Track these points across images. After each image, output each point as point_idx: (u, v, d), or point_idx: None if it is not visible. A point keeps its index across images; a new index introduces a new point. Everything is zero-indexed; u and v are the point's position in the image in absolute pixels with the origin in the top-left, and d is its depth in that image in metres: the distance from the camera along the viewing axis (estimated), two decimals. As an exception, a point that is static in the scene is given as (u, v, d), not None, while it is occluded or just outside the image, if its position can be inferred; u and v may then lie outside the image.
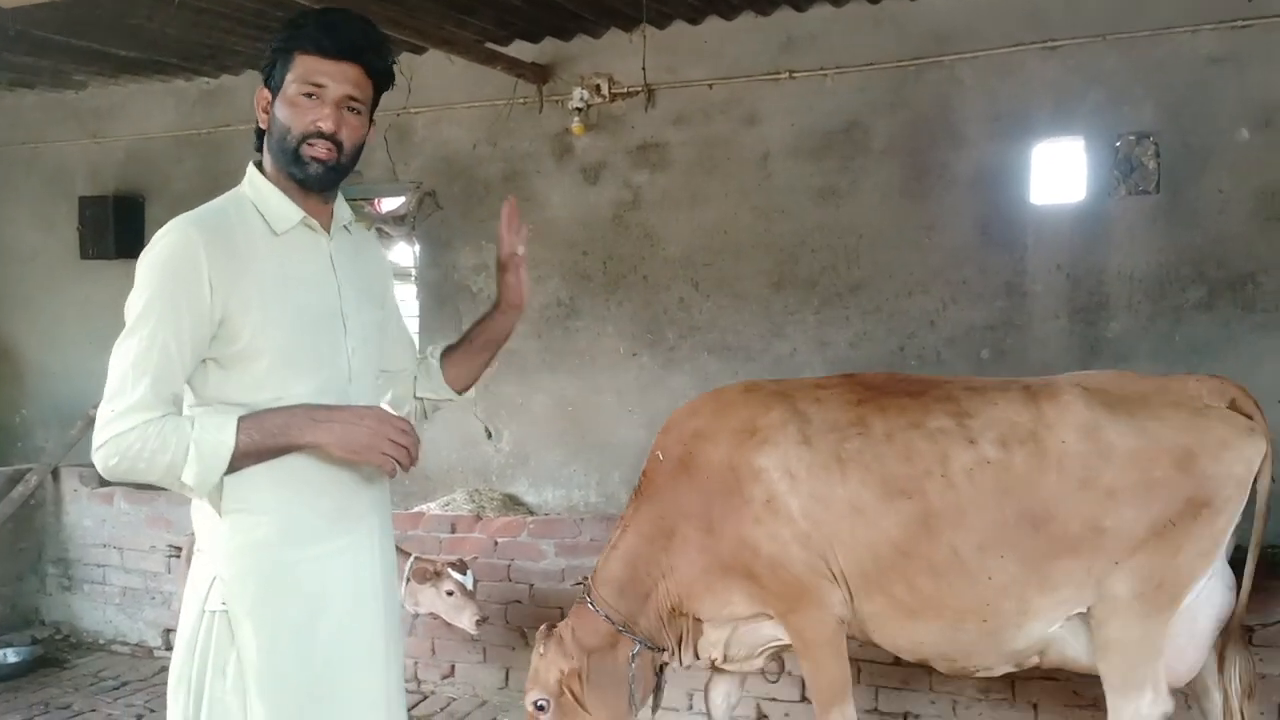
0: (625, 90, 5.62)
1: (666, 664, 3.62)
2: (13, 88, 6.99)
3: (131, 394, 1.92)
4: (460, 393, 2.46)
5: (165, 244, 1.98)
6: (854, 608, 3.24)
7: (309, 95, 2.04)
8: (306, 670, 2.08)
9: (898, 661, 4.58)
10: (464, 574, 4.21)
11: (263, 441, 1.98)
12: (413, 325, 6.23)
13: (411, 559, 4.17)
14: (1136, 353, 4.81)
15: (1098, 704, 4.20)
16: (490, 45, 5.56)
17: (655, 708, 3.82)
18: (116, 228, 6.69)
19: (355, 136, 2.09)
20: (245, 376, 2.02)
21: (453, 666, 4.99)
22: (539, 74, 5.76)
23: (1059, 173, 4.97)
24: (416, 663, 4.94)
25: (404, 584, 4.08)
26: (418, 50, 5.89)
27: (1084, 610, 3.06)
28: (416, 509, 5.46)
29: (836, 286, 5.31)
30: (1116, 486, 2.97)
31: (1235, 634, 3.18)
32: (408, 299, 6.30)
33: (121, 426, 1.91)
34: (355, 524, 2.16)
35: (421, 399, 2.44)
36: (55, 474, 5.75)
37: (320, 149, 2.05)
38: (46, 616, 5.81)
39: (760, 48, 5.40)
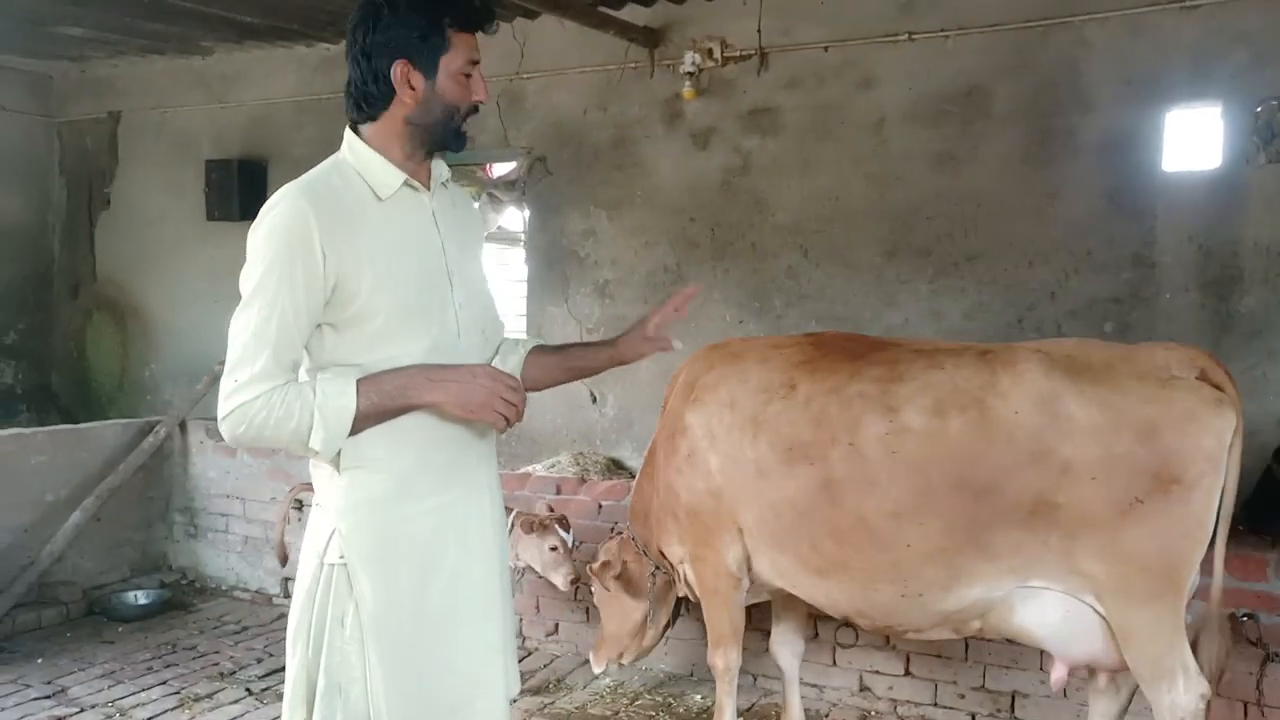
0: (738, 54, 5.55)
1: (683, 596, 3.93)
2: (144, 54, 7.26)
3: (254, 364, 1.97)
4: (528, 391, 2.46)
5: (277, 214, 2.01)
6: (769, 561, 3.39)
7: (468, 74, 2.11)
8: (422, 620, 2.13)
9: (1010, 641, 4.51)
10: (567, 531, 4.30)
11: (382, 403, 2.04)
12: (521, 289, 6.31)
13: (514, 513, 4.26)
14: (1272, 328, 4.58)
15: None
16: (603, 9, 5.54)
17: (661, 635, 4.18)
18: (241, 191, 6.92)
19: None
20: (360, 338, 2.06)
21: (556, 625, 5.08)
22: (650, 38, 5.72)
23: (1193, 139, 4.73)
24: (521, 619, 5.03)
25: (508, 532, 4.20)
26: (531, 15, 5.91)
27: (1048, 585, 2.99)
28: (522, 470, 5.54)
29: (953, 256, 5.17)
30: (1074, 461, 2.85)
31: (1210, 620, 3.04)
32: (516, 263, 6.38)
33: (246, 396, 1.97)
34: (466, 478, 2.21)
35: None
36: (183, 427, 6.01)
37: (469, 120, 2.15)
38: (173, 562, 6.10)
39: (878, 9, 5.26)
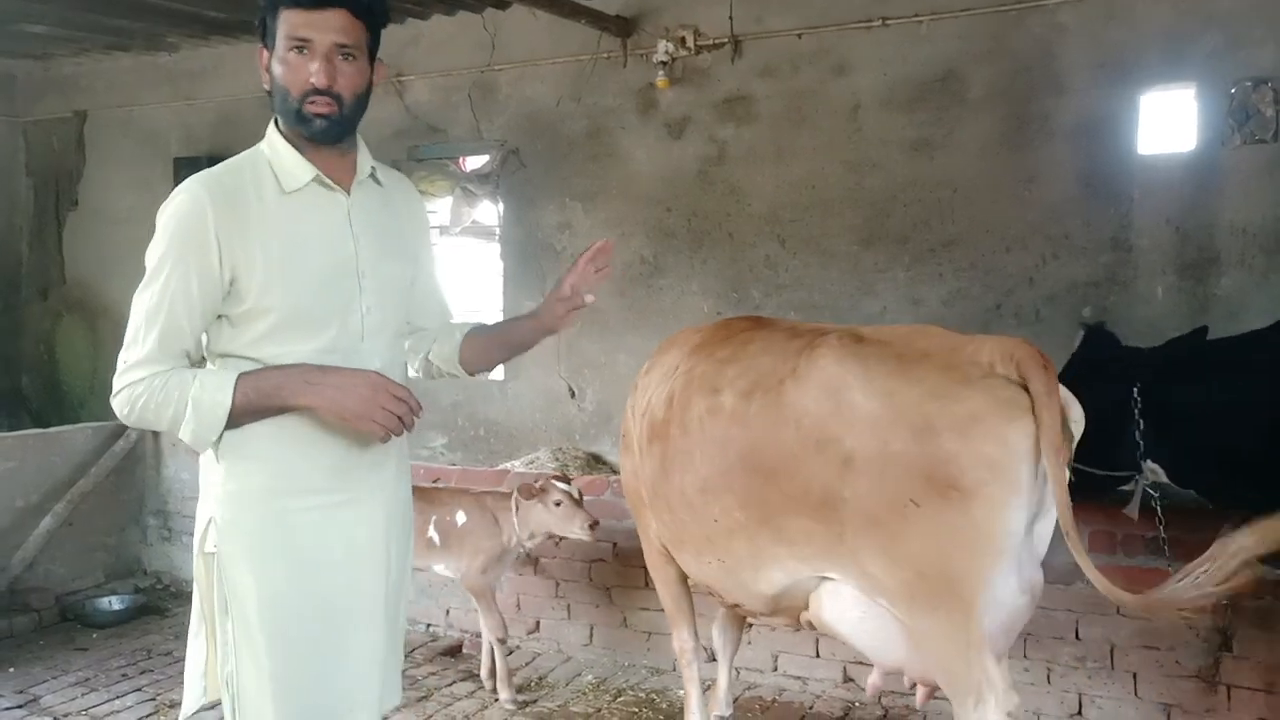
0: (711, 42, 5.51)
1: None
2: (109, 51, 7.15)
3: (142, 346, 2.01)
4: (470, 374, 2.41)
5: (177, 203, 2.01)
6: (661, 536, 3.47)
7: (299, 50, 2.02)
8: (304, 621, 2.11)
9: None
10: (567, 484, 4.30)
11: (258, 401, 2.02)
12: (498, 283, 6.25)
13: (516, 481, 4.27)
14: (1249, 309, 4.57)
15: (1200, 674, 4.06)
16: (574, -1, 5.48)
17: None
18: (210, 188, 6.81)
19: (354, 85, 2.05)
20: (250, 333, 2.05)
21: (537, 622, 5.03)
22: (623, 27, 5.67)
23: (1168, 122, 4.72)
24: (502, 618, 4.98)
25: (513, 511, 4.27)
26: (502, 5, 5.86)
27: (844, 581, 2.84)
28: (501, 466, 5.49)
29: (930, 242, 5.14)
30: (855, 454, 2.67)
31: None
32: (492, 257, 6.32)
33: (133, 377, 2.00)
34: (359, 481, 2.17)
35: (432, 361, 2.39)
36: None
37: (320, 105, 2.02)
38: (148, 566, 6.01)
39: (852, -6, 5.23)
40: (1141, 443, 3.52)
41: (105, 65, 7.41)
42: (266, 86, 2.08)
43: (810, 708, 4.68)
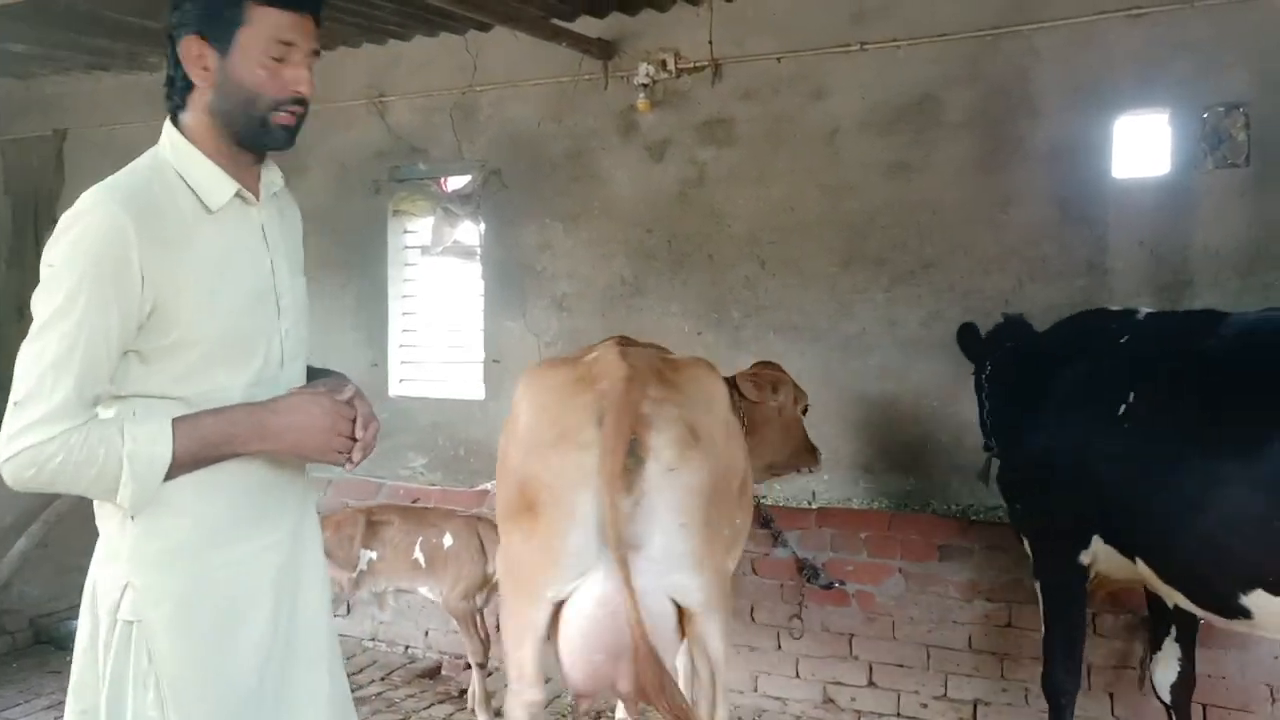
0: (691, 65, 5.54)
1: None
2: (89, 70, 7.13)
3: (50, 399, 1.72)
4: None
5: (89, 227, 1.76)
6: None
7: (278, 58, 1.86)
8: (233, 680, 1.92)
9: (969, 647, 4.51)
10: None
11: (202, 452, 1.83)
12: (478, 304, 6.25)
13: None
14: (1223, 333, 4.62)
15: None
16: (555, 21, 5.51)
17: None
18: (190, 208, 6.79)
19: (312, 92, 1.93)
20: (174, 369, 1.85)
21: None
22: (604, 50, 5.70)
23: (1142, 146, 4.77)
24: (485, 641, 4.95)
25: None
26: (483, 28, 5.88)
27: None
28: (480, 487, 5.48)
29: (908, 264, 5.18)
30: (503, 461, 3.06)
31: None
32: (473, 277, 6.32)
33: (39, 436, 1.71)
34: (281, 522, 2.01)
35: None
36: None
37: (291, 115, 1.90)
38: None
39: (830, 19, 5.27)
40: (988, 421, 4.18)
41: (86, 85, 7.39)
42: (203, 83, 1.88)
43: (790, 729, 4.68)
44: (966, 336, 4.30)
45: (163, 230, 1.81)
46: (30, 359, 1.75)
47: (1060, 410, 3.68)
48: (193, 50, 1.87)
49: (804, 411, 4.63)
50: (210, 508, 1.89)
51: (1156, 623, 3.88)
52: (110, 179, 1.86)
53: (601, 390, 2.86)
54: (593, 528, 2.78)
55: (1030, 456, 3.77)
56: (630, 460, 2.79)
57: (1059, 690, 3.72)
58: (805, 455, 4.65)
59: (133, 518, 1.84)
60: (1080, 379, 3.67)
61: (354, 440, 1.96)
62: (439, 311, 6.58)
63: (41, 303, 1.77)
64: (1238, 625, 3.27)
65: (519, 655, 3.04)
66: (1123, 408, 3.43)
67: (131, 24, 5.81)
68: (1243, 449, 3.06)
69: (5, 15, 5.39)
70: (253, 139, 1.92)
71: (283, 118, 1.90)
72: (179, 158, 1.90)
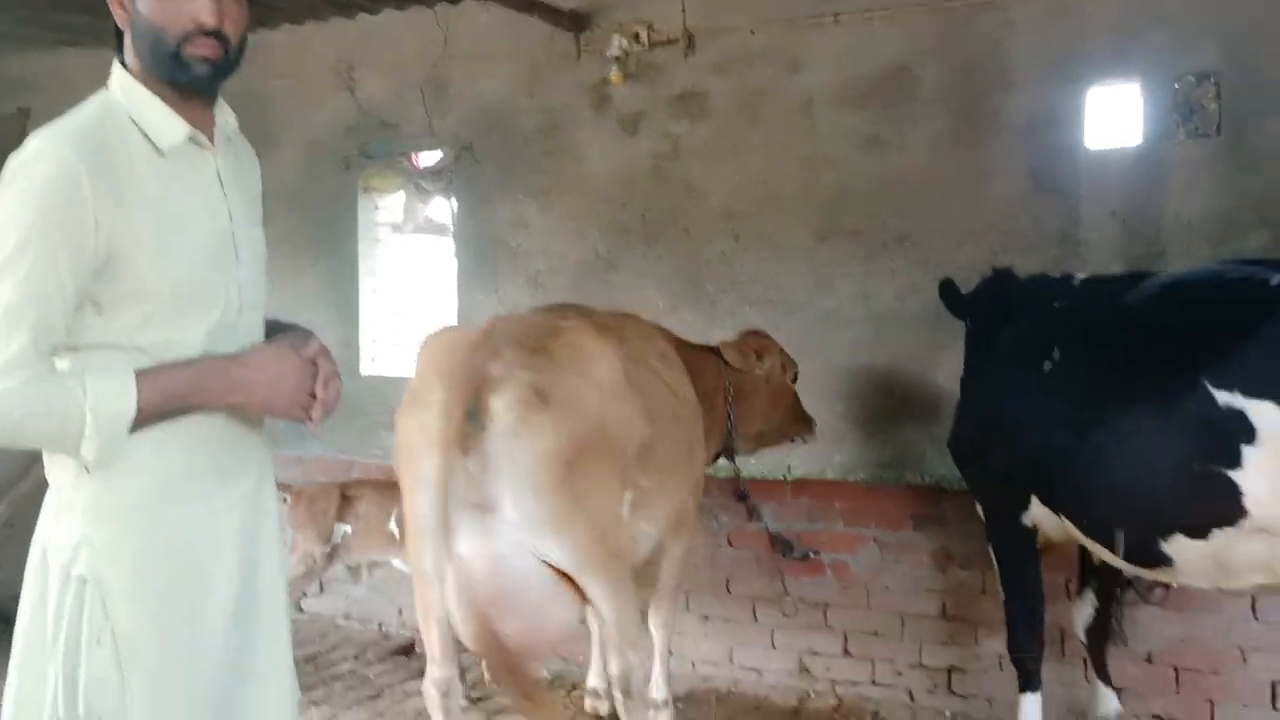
0: (665, 38, 5.49)
1: None
2: (55, 47, 7.00)
3: (6, 349, 1.67)
4: None
5: (40, 172, 1.70)
6: None
7: None
8: (193, 642, 1.87)
9: (943, 614, 4.53)
10: None
11: (165, 405, 1.78)
12: (451, 281, 6.19)
13: None
14: (1194, 303, 4.65)
15: (1152, 658, 4.12)
16: (527, -7, 5.46)
17: None
18: (157, 184, 6.69)
19: (239, 27, 1.88)
20: (131, 319, 1.80)
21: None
22: (576, 22, 5.65)
23: (1115, 117, 4.79)
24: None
25: None
26: (453, 0, 5.81)
27: None
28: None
29: (883, 238, 5.17)
30: None
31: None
32: (446, 254, 6.26)
33: None
34: (236, 481, 1.96)
35: None
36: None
37: (204, 47, 1.82)
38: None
39: (803, -10, 5.25)
40: None
41: (51, 62, 7.24)
42: (122, 23, 1.84)
43: (765, 698, 4.68)
44: (948, 293, 4.27)
45: (115, 174, 1.76)
46: None
47: (996, 374, 3.79)
48: None
49: (794, 380, 4.61)
50: (168, 463, 1.85)
51: (1081, 571, 4.02)
52: (58, 122, 1.80)
53: (456, 355, 2.92)
54: (439, 490, 2.80)
55: (973, 420, 3.83)
56: (471, 423, 2.81)
57: (1021, 653, 3.78)
58: (798, 424, 4.67)
59: (88, 470, 1.79)
60: (1013, 342, 3.78)
61: (322, 401, 1.94)
62: (411, 289, 6.52)
63: None
64: (1162, 574, 3.38)
65: (425, 634, 3.15)
66: (1047, 366, 3.55)
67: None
68: (1155, 398, 3.14)
69: (-35, -13, 5.29)
70: (172, 75, 1.85)
71: (194, 50, 1.83)
72: (129, 98, 1.85)
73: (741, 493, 4.90)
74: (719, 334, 5.49)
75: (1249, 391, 2.92)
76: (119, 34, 1.89)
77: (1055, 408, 3.49)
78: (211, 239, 1.90)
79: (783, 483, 5.06)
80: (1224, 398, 2.96)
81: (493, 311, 5.97)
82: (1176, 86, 4.58)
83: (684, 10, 5.33)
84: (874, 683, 4.69)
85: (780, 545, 4.83)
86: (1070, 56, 4.78)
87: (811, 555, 4.82)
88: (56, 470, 1.86)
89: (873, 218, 5.19)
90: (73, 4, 5.75)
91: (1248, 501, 2.92)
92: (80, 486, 1.81)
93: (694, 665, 4.93)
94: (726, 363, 4.46)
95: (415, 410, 2.99)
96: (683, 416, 3.83)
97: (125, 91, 1.85)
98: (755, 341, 4.62)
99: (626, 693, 3.21)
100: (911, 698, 4.63)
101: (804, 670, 4.82)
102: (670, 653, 4.23)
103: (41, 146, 1.73)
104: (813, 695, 4.71)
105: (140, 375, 1.76)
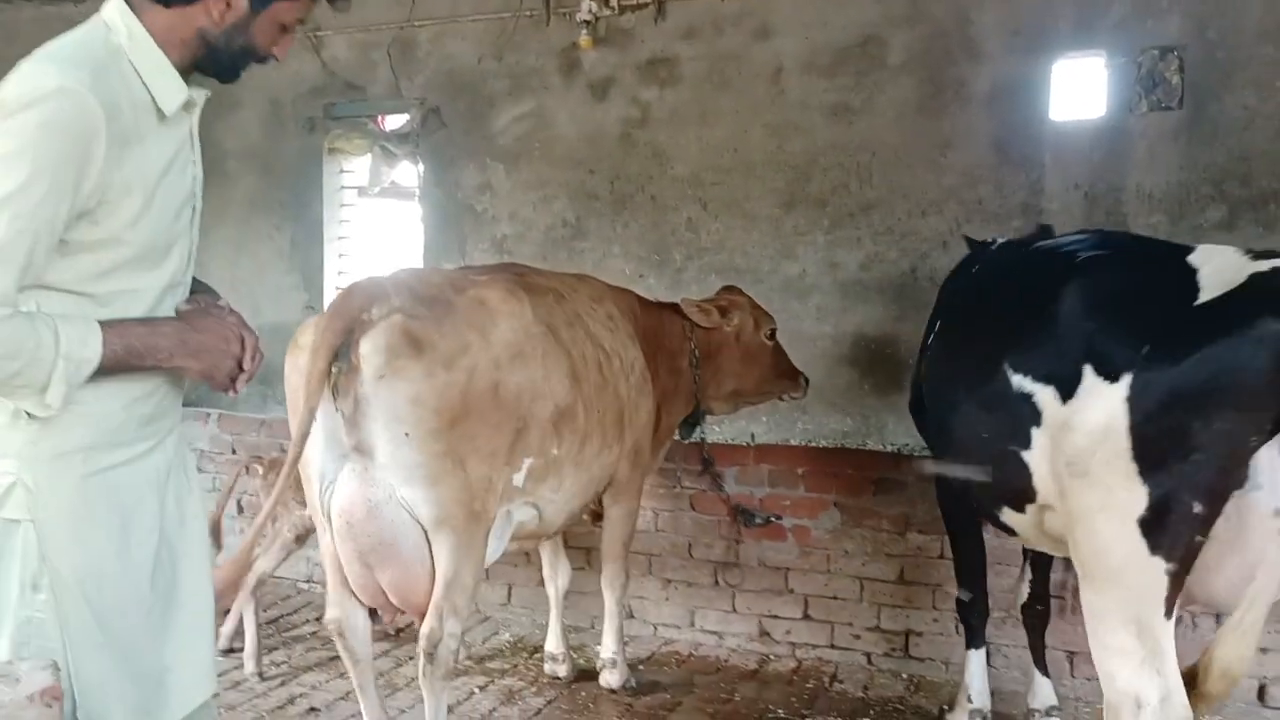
0: (635, 2, 5.46)
1: None
2: (9, 2, 6.85)
3: None
4: None
5: (61, 109, 1.68)
6: None
7: (287, 29, 1.99)
8: (125, 581, 1.89)
9: (901, 579, 4.59)
10: None
11: (126, 359, 1.81)
12: (417, 246, 6.15)
13: None
14: (1153, 275, 4.70)
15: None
16: (496, -46, 5.40)
17: None
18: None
19: None
20: (97, 265, 1.80)
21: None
22: (546, -15, 5.60)
23: (1079, 89, 4.82)
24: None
25: None
26: (422, -40, 5.75)
27: None
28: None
29: (848, 206, 5.19)
30: None
31: None
32: (412, 219, 6.21)
33: None
34: (162, 424, 2.00)
35: None
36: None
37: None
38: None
39: (773, -43, 5.23)
40: None
41: (6, 16, 7.09)
42: (213, 14, 1.88)
43: (725, 661, 4.72)
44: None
45: (122, 124, 1.76)
46: None
47: (922, 340, 3.94)
48: None
49: (771, 336, 4.57)
50: (106, 409, 1.87)
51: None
52: (66, 52, 1.77)
53: (344, 298, 2.98)
54: (305, 430, 2.85)
55: (911, 381, 4.08)
56: (340, 364, 2.81)
57: (965, 611, 3.89)
58: (783, 381, 4.59)
59: (29, 415, 1.77)
60: (933, 308, 3.96)
61: (241, 370, 1.99)
62: (376, 254, 6.47)
63: None
64: (1017, 541, 3.58)
65: (327, 577, 3.20)
66: (931, 337, 3.74)
67: (53, -52, 5.58)
68: (977, 377, 3.17)
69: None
70: (213, 71, 1.96)
71: (243, 69, 2.01)
72: (138, 52, 1.84)
73: (706, 460, 4.92)
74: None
75: (1036, 376, 2.93)
76: None
77: (931, 378, 3.67)
78: (179, 198, 1.94)
79: (746, 448, 5.09)
80: (1017, 381, 2.98)
81: (459, 276, 5.95)
82: (1140, 59, 4.62)
83: (655, -26, 5.29)
84: (833, 646, 4.75)
85: (742, 516, 4.85)
86: (1037, 27, 4.81)
87: (773, 520, 4.86)
88: None
89: (839, 187, 5.21)
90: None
91: (1036, 481, 2.96)
92: (16, 429, 1.80)
93: (655, 629, 4.97)
94: (691, 322, 4.44)
95: (292, 351, 3.05)
96: (619, 382, 3.79)
97: (134, 41, 1.84)
98: (721, 299, 4.59)
99: (430, 657, 3.05)
100: (869, 661, 4.69)
101: (764, 634, 4.87)
102: (627, 615, 4.25)
103: (64, 85, 1.69)
104: (772, 659, 4.76)
105: (105, 327, 1.77)
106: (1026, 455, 2.94)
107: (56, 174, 1.67)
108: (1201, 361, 2.55)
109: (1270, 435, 2.55)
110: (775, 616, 4.85)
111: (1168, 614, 2.65)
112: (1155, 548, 2.62)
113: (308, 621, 5.15)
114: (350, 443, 2.92)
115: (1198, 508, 2.59)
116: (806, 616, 4.81)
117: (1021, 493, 3.03)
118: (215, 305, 2.02)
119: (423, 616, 3.07)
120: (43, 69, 1.72)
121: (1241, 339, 2.53)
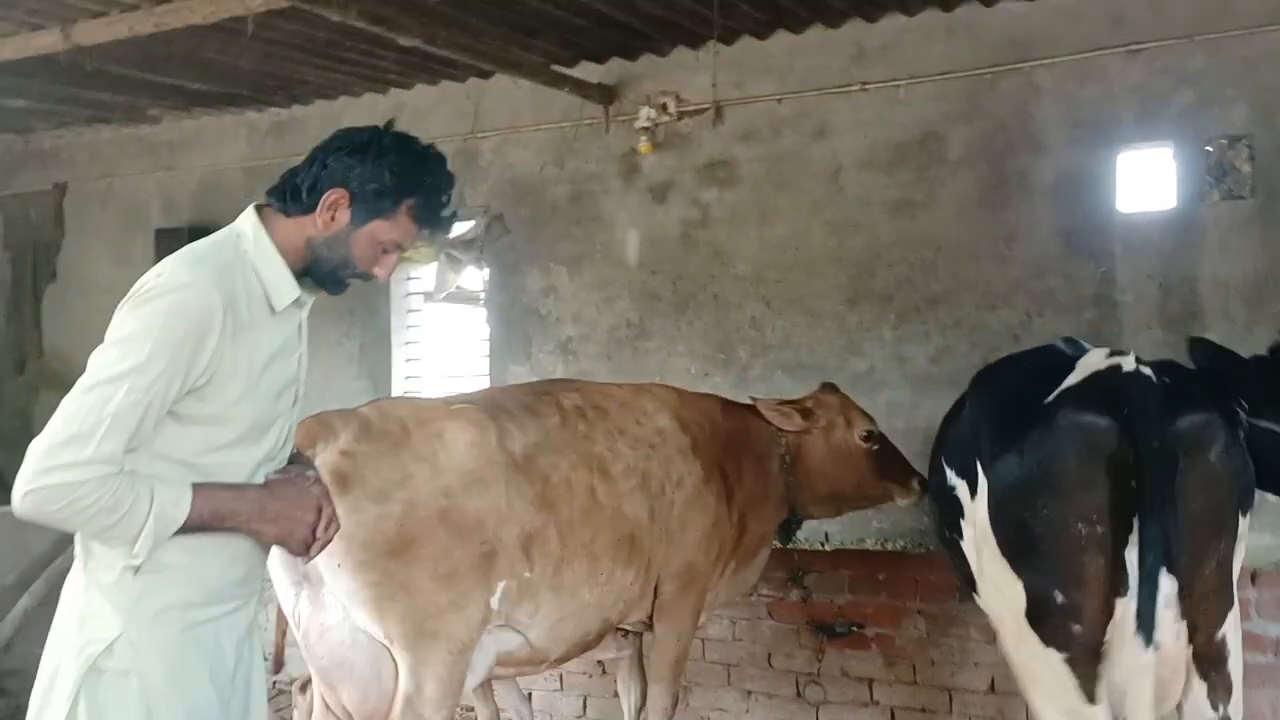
0: (692, 108, 5.55)
1: None
2: (90, 124, 7.15)
3: (102, 445, 1.82)
4: None
5: (187, 297, 1.91)
6: None
7: (388, 251, 2.11)
8: None
9: (991, 689, 4.43)
10: None
11: (209, 521, 1.96)
12: (483, 349, 6.22)
13: None
14: (1234, 363, 4.60)
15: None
16: (556, 67, 5.54)
17: None
18: (192, 259, 6.77)
19: None
20: (200, 439, 1.98)
21: (529, 694, 4.93)
22: (605, 94, 5.72)
23: (1147, 179, 4.79)
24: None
25: None
26: (484, 75, 5.91)
27: None
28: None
29: (914, 300, 5.17)
30: None
31: None
32: (478, 323, 6.30)
33: (77, 476, 1.80)
34: (250, 586, 2.16)
35: None
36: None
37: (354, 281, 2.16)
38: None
39: (830, 60, 5.30)
40: None
41: (86, 137, 7.40)
42: (320, 226, 2.06)
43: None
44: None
45: (238, 314, 1.97)
46: (91, 402, 1.84)
47: None
48: (332, 199, 2.06)
49: (868, 438, 4.19)
50: (207, 572, 2.02)
51: None
52: (200, 254, 2.01)
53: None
54: (275, 562, 2.98)
55: None
56: None
57: None
58: (886, 484, 4.22)
59: (135, 572, 1.92)
60: None
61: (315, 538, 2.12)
62: (444, 358, 6.55)
63: (117, 353, 1.88)
64: None
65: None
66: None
67: (133, 77, 5.82)
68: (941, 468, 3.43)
69: (6, 71, 5.41)
70: (318, 278, 2.13)
71: (350, 281, 2.16)
72: (260, 255, 2.06)
73: (796, 574, 4.82)
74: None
75: (958, 470, 3.13)
76: (293, 202, 2.08)
77: None
78: (283, 382, 2.11)
79: (822, 552, 5.01)
80: (950, 475, 3.19)
81: (526, 378, 5.99)
82: (1209, 149, 4.58)
83: (715, 82, 5.38)
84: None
85: (822, 631, 4.75)
86: (1098, 120, 4.80)
87: (854, 630, 4.74)
88: (99, 569, 1.96)
89: (904, 281, 5.19)
90: (105, 82, 5.87)
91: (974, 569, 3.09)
92: (124, 587, 1.94)
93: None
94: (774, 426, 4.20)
95: None
96: (628, 503, 3.61)
97: (258, 246, 2.07)
98: (808, 400, 4.26)
99: None
100: (959, 772, 4.54)
101: None
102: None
103: (190, 276, 1.93)
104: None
105: (196, 489, 1.93)
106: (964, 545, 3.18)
107: (175, 353, 1.88)
108: (1021, 453, 2.76)
109: (1106, 525, 2.61)
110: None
111: (1091, 699, 2.67)
112: (1046, 640, 2.72)
113: None
114: (301, 570, 3.12)
115: (1060, 597, 2.68)
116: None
117: (970, 579, 3.21)
118: (302, 475, 2.17)
119: None
120: (179, 265, 1.96)
121: (1047, 429, 2.71)
